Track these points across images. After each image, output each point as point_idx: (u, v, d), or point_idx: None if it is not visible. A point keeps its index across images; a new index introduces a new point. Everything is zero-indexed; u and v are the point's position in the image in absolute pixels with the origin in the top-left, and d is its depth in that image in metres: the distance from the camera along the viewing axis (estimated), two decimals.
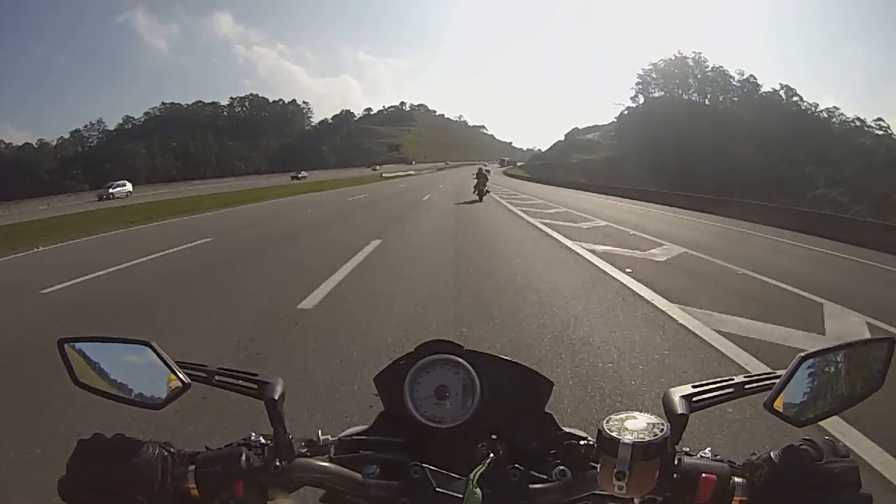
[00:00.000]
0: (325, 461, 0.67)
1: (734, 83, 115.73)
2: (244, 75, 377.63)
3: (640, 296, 5.92)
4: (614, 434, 0.54)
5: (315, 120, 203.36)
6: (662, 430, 0.54)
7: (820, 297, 6.15)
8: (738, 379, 0.64)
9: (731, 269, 7.85)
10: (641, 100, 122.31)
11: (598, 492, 0.60)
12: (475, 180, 21.98)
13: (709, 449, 0.61)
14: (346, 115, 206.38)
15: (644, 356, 4.07)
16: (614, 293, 6.09)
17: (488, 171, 24.58)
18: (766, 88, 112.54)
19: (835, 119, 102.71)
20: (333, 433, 0.73)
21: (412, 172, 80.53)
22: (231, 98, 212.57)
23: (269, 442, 0.64)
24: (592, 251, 8.80)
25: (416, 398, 0.74)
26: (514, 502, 0.60)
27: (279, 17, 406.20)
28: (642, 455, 0.53)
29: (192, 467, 0.60)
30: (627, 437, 0.53)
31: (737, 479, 0.57)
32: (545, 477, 0.66)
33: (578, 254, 8.63)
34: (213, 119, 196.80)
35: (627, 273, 7.08)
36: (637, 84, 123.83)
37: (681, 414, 0.59)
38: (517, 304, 5.64)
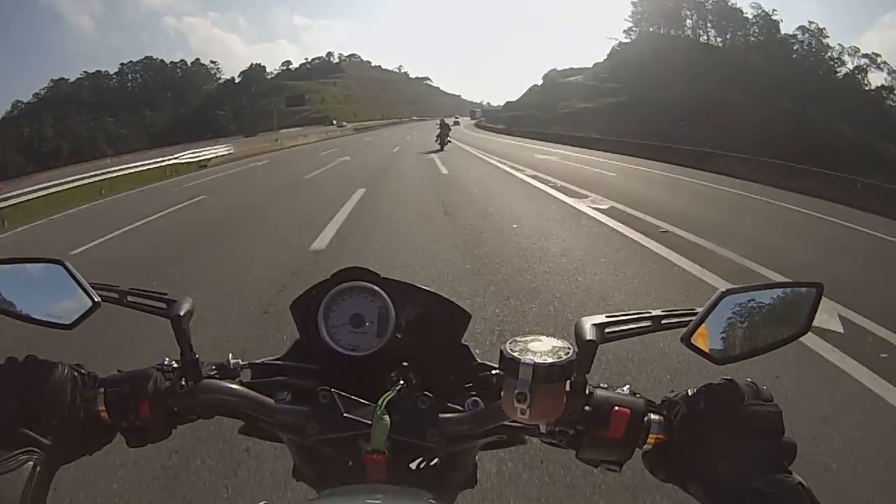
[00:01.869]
0: (234, 385, 0.65)
1: (748, 17, 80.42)
2: (177, 49, 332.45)
3: None
4: (516, 355, 0.51)
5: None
6: (568, 353, 0.51)
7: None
8: (656, 312, 0.59)
9: None
10: (634, 35, 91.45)
11: (507, 422, 0.58)
12: (438, 130, 24.37)
13: (627, 386, 0.59)
14: (257, 70, 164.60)
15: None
16: None
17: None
18: (787, 29, 75.47)
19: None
20: (247, 359, 0.71)
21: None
22: (121, 65, 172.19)
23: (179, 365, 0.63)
24: None
25: (330, 326, 0.73)
26: (422, 429, 0.59)
27: None
28: (544, 377, 0.50)
29: (102, 389, 0.59)
30: (528, 358, 0.50)
31: (654, 417, 0.55)
32: (458, 408, 0.65)
33: None
34: (99, 92, 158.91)
35: None
36: (633, 14, 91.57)
37: (589, 340, 0.55)
38: None
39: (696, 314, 0.56)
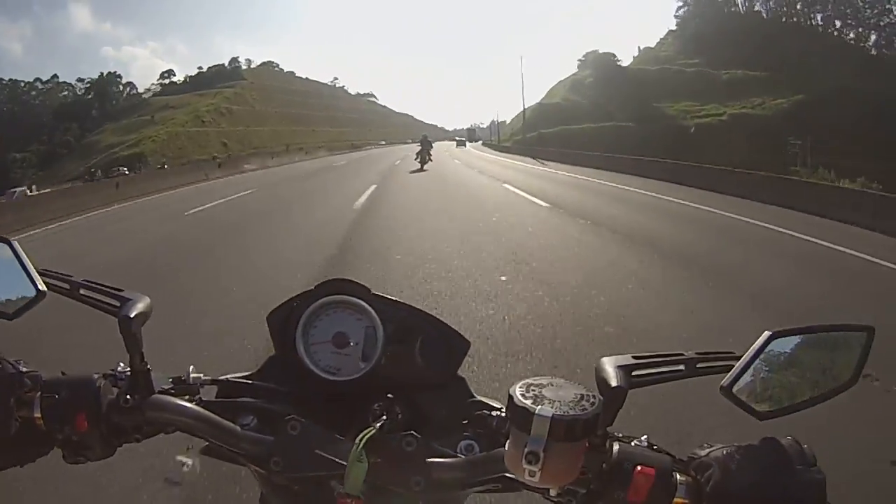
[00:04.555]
0: (192, 402, 0.57)
1: None
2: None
3: None
4: (529, 403, 0.42)
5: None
6: (593, 403, 0.43)
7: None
8: (690, 355, 0.54)
9: None
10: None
11: (508, 474, 0.49)
12: (419, 147, 23.08)
13: (646, 437, 0.51)
14: (109, 81, 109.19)
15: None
16: None
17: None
18: None
19: None
20: (211, 373, 0.64)
21: None
22: None
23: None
24: None
25: (310, 343, 0.66)
26: (406, 476, 0.52)
27: (146, 9, 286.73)
28: (564, 433, 0.41)
29: (39, 393, 0.52)
30: (545, 409, 0.41)
31: (680, 477, 0.48)
32: (449, 451, 0.57)
33: None
34: None
35: None
36: None
37: (617, 387, 0.49)
38: None
39: (734, 357, 0.51)
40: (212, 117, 74.85)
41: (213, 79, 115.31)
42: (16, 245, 0.55)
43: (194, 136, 57.37)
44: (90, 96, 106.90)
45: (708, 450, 0.48)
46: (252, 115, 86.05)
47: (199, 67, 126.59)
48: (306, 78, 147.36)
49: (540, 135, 44.76)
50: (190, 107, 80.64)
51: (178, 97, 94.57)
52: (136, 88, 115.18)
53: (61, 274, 0.58)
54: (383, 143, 72.84)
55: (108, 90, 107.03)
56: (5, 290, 0.55)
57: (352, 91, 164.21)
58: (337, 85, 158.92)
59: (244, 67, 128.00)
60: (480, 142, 79.78)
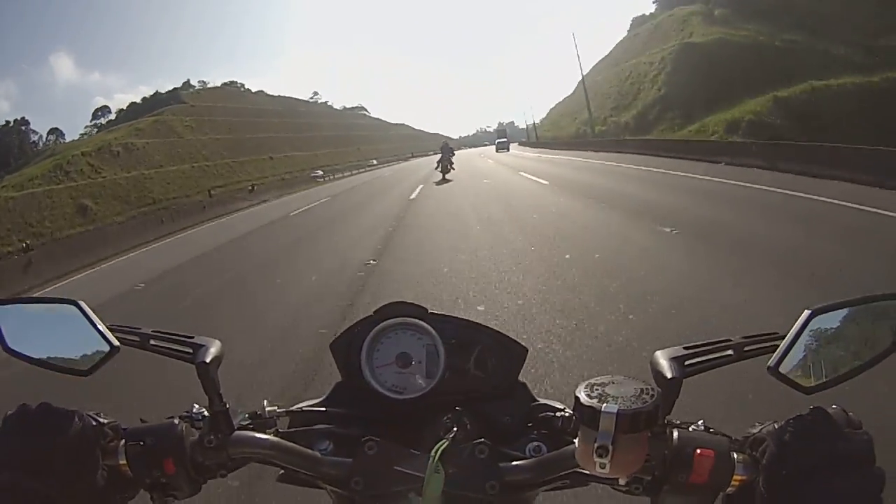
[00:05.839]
0: (270, 435, 0.60)
1: None
2: None
3: None
4: (595, 401, 0.45)
5: None
6: (652, 395, 0.46)
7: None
8: (737, 340, 0.56)
9: None
10: None
11: (578, 469, 0.52)
12: (440, 154, 21.95)
13: (701, 421, 0.54)
14: (13, 132, 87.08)
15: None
16: None
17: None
18: None
19: None
20: (284, 404, 0.67)
21: None
22: None
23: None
24: None
25: (374, 366, 0.69)
26: (481, 482, 0.55)
27: (134, 54, 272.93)
28: (629, 426, 0.44)
29: (123, 442, 0.55)
30: (610, 405, 0.44)
31: (737, 456, 0.50)
32: (518, 454, 0.60)
33: None
34: None
35: None
36: None
37: (672, 378, 0.52)
38: None
39: (777, 337, 0.53)
40: (90, 163, 48.45)
41: (149, 109, 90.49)
42: (84, 305, 0.58)
43: (27, 203, 30.79)
44: None
45: (760, 427, 0.50)
46: (174, 149, 60.20)
47: (144, 98, 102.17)
48: (278, 96, 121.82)
49: (776, 100, 21.50)
50: (64, 153, 54.73)
51: (82, 140, 69.85)
52: (63, 136, 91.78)
53: (130, 327, 0.60)
54: (320, 172, 44.16)
55: (9, 142, 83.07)
56: (78, 349, 0.58)
57: (337, 106, 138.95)
58: (319, 101, 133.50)
59: (197, 89, 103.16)
60: (517, 144, 66.84)
